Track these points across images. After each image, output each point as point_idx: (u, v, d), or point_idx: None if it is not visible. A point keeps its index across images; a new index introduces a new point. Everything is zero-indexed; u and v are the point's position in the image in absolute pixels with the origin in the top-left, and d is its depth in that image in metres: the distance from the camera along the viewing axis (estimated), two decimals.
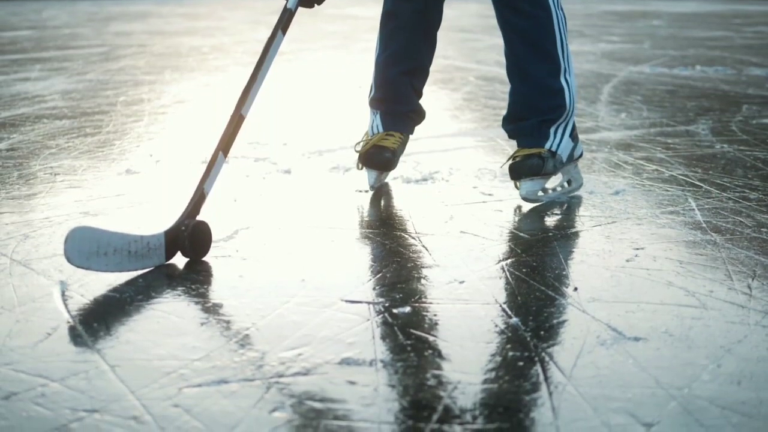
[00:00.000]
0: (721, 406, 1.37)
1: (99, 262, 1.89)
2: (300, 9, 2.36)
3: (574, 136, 2.67)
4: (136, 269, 1.96)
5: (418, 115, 2.86)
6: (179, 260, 2.05)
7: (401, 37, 2.74)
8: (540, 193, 2.61)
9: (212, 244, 2.10)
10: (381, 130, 2.80)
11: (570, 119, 2.63)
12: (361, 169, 2.79)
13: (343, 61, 6.94)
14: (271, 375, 1.47)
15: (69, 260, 1.85)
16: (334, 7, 14.88)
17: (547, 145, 2.61)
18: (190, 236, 2.04)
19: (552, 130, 2.61)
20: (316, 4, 2.39)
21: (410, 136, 2.87)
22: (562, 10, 2.57)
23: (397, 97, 2.79)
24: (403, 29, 2.73)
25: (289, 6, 2.31)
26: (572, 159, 2.67)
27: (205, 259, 2.06)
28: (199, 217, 2.09)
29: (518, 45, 2.59)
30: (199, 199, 2.10)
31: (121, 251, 1.92)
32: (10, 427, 1.31)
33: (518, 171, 2.58)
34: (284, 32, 2.28)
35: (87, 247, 1.87)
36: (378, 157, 2.74)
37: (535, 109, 2.61)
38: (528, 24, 2.55)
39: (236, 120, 2.18)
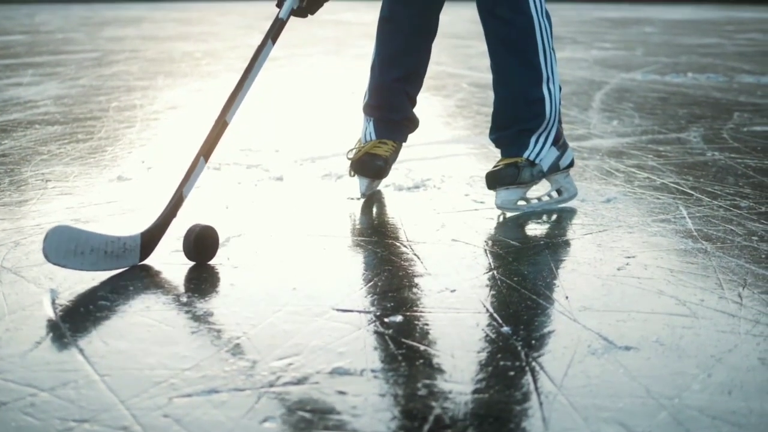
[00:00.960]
0: (711, 416, 1.37)
1: (75, 261, 1.92)
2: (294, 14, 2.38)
3: (560, 146, 2.65)
4: (111, 269, 1.99)
5: (412, 123, 2.86)
6: (169, 268, 2.05)
7: (397, 42, 2.75)
8: (520, 203, 2.60)
9: None
10: (374, 137, 2.80)
11: (552, 128, 2.61)
12: (353, 176, 2.79)
13: (336, 67, 6.94)
14: (262, 385, 1.47)
15: (46, 257, 1.88)
16: (327, 12, 14.87)
17: (526, 154, 2.60)
18: (197, 239, 2.06)
19: (533, 140, 2.60)
20: (309, 14, 2.40)
21: (403, 143, 2.87)
22: (546, 18, 2.55)
23: (391, 104, 2.80)
24: (399, 34, 2.74)
25: (281, 16, 2.32)
26: (558, 168, 2.65)
27: (196, 266, 2.06)
28: (184, 220, 2.10)
29: (500, 53, 2.59)
30: (177, 202, 2.11)
31: (98, 251, 1.96)
32: None
33: (491, 180, 2.59)
34: (274, 41, 2.29)
35: (65, 246, 1.90)
36: (370, 165, 2.75)
37: (516, 118, 2.61)
38: (508, 31, 2.54)
39: (220, 126, 2.19)
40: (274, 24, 2.30)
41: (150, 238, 2.05)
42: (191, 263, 2.07)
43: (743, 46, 8.89)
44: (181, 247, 2.10)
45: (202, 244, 2.08)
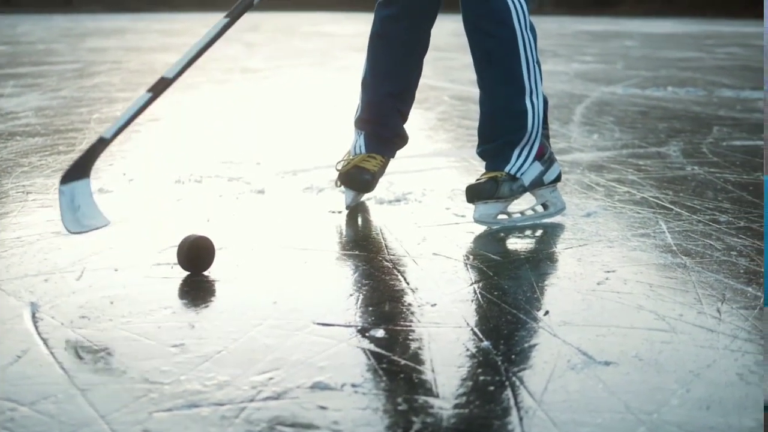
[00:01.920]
0: None
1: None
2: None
3: (544, 160, 2.64)
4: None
5: (402, 139, 2.88)
6: (149, 281, 2.04)
7: (389, 57, 2.77)
8: (501, 217, 2.60)
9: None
10: (363, 151, 2.81)
11: (534, 142, 2.61)
12: (340, 187, 2.80)
13: (318, 79, 6.95)
14: (242, 399, 1.46)
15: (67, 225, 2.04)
16: (311, 24, 14.90)
17: (507, 168, 2.60)
18: (196, 249, 2.08)
19: (515, 153, 2.61)
20: None
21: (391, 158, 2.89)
22: (530, 31, 2.55)
23: (383, 119, 2.81)
24: (391, 50, 2.76)
25: (255, 3, 2.40)
26: (543, 183, 2.65)
27: (177, 280, 2.06)
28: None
29: (484, 66, 2.60)
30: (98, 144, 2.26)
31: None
32: None
33: (470, 194, 2.60)
34: (235, 20, 2.41)
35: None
36: (358, 178, 2.76)
37: (499, 131, 2.61)
38: (492, 44, 2.56)
39: (166, 84, 2.35)
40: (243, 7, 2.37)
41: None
42: (172, 277, 2.07)
43: (723, 60, 8.97)
44: (161, 261, 2.10)
45: (197, 254, 2.08)
